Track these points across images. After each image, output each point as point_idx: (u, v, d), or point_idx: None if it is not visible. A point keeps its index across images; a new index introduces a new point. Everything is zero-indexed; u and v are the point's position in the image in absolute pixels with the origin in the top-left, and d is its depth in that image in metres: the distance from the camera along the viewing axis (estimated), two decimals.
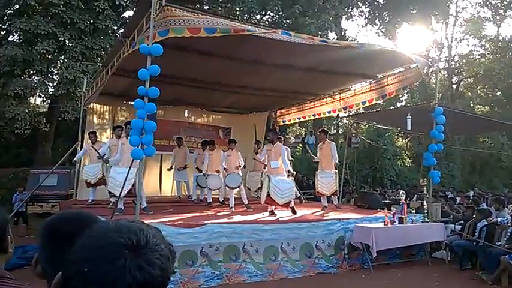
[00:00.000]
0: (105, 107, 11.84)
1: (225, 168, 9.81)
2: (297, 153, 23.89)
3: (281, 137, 11.34)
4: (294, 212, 8.75)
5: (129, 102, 11.63)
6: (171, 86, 9.94)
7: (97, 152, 9.43)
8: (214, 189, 10.31)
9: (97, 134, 10.74)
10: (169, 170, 11.54)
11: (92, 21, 14.98)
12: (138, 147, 6.58)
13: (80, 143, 11.16)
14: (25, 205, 11.71)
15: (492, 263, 7.26)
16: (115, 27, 16.29)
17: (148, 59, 6.50)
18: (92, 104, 11.44)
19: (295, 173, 9.34)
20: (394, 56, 8.90)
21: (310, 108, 13.18)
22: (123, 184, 7.21)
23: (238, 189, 9.86)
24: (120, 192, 7.40)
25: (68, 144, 12.75)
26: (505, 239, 7.65)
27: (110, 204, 8.67)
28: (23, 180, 13.90)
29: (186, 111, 13.07)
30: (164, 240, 0.90)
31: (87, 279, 0.78)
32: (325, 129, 11.35)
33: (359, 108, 12.46)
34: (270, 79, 10.42)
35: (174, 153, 11.53)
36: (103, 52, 15.22)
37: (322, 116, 13.47)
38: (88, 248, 0.81)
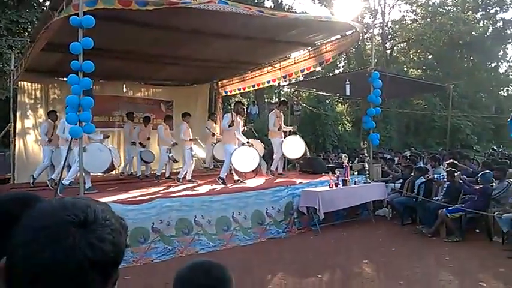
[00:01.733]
0: (35, 84, 11.17)
1: (190, 139, 9.81)
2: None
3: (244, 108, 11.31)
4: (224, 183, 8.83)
5: (62, 79, 11.04)
6: (106, 59, 9.50)
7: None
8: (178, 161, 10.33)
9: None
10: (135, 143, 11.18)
11: None
12: (75, 124, 6.31)
13: (12, 124, 10.54)
14: None
15: (431, 217, 7.70)
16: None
17: (80, 32, 6.17)
18: (21, 82, 10.76)
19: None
20: (331, 24, 8.98)
21: (251, 78, 13.14)
22: (63, 166, 6.92)
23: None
24: (61, 173, 7.13)
25: None
26: (442, 193, 8.12)
27: (52, 185, 8.37)
28: None
29: (124, 85, 12.60)
30: (114, 214, 0.85)
31: (35, 263, 0.72)
32: (285, 100, 11.66)
33: (298, 76, 12.60)
34: (210, 49, 10.22)
35: (129, 127, 11.27)
36: (30, 26, 14.27)
37: (262, 85, 13.46)
38: (32, 229, 0.75)
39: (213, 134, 11.25)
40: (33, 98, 11.16)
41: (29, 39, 9.83)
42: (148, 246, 6.59)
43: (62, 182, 7.33)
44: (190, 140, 9.71)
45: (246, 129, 10.78)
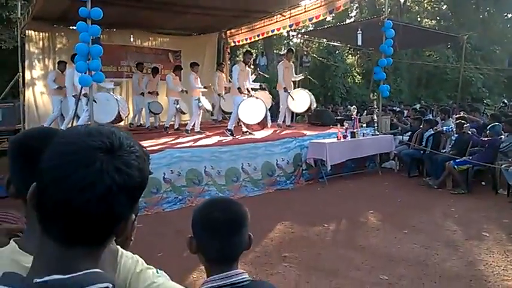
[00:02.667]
0: (42, 33, 11.03)
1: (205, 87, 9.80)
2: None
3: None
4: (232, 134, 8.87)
5: (69, 27, 10.91)
6: (113, 7, 9.29)
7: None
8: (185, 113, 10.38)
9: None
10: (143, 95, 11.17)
11: None
12: (85, 73, 6.31)
13: (21, 74, 10.51)
14: None
15: (438, 169, 7.75)
16: None
17: None
18: (28, 31, 10.65)
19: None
20: None
21: (260, 27, 12.87)
22: (73, 115, 6.97)
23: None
24: (72, 123, 7.18)
25: (8, 77, 11.96)
26: (450, 146, 8.13)
27: None
28: None
29: (132, 35, 12.42)
30: (137, 142, 0.87)
31: (65, 186, 0.75)
32: (292, 48, 11.36)
33: (307, 25, 12.31)
34: None
35: (138, 78, 11.20)
36: None
37: (266, 34, 13.20)
38: (61, 153, 0.77)
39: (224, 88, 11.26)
40: (41, 48, 11.07)
41: None
42: (161, 196, 6.74)
43: None
44: (205, 87, 9.67)
45: (255, 76, 10.60)
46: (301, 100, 10.15)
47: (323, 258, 4.57)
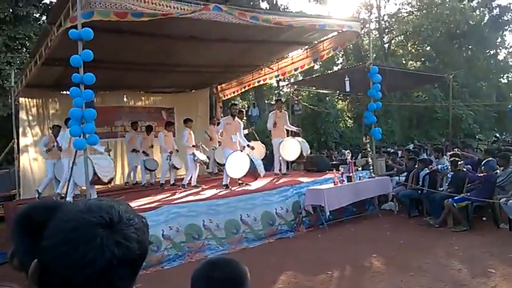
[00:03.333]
0: (35, 100, 11.22)
1: (192, 146, 9.73)
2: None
3: (242, 111, 11.35)
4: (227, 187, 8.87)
5: (62, 92, 11.13)
6: (105, 70, 9.58)
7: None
8: (179, 168, 10.36)
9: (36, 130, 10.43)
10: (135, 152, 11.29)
11: (11, 9, 14.06)
12: (80, 137, 6.37)
13: (16, 141, 10.60)
14: None
15: (437, 207, 7.72)
16: (37, 14, 15.41)
17: (80, 44, 6.24)
18: (22, 98, 10.83)
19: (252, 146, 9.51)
20: (328, 23, 9.03)
21: (249, 80, 13.25)
22: (69, 178, 6.97)
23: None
24: (67, 187, 7.17)
25: (2, 143, 12.07)
26: (447, 184, 8.16)
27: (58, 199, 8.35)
28: None
29: (125, 96, 12.68)
30: (136, 213, 0.90)
31: (67, 263, 0.77)
32: (281, 98, 11.59)
33: (294, 75, 12.67)
34: (207, 54, 10.30)
35: (130, 136, 11.37)
36: (28, 41, 14.36)
37: (252, 85, 13.60)
38: (62, 231, 0.80)
39: (210, 139, 11.38)
40: (34, 114, 11.23)
41: (28, 55, 9.89)
42: (161, 254, 6.58)
43: (66, 199, 7.37)
44: (193, 146, 9.68)
45: (247, 131, 10.77)
46: (292, 148, 10.25)
47: None
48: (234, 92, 14.21)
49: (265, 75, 12.70)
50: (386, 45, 29.17)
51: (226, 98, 14.75)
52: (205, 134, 11.39)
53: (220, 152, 10.56)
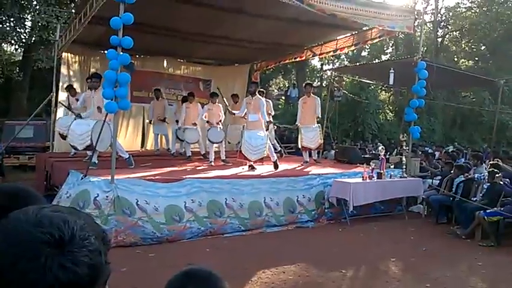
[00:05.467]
0: (77, 57, 11.39)
1: (207, 121, 9.64)
2: (280, 106, 23.80)
3: (263, 90, 11.15)
4: (276, 167, 8.74)
5: (104, 52, 11.17)
6: (147, 35, 9.59)
7: (68, 108, 9.30)
8: (191, 143, 10.19)
9: (74, 86, 10.52)
10: (150, 123, 11.37)
11: None
12: (111, 100, 6.36)
13: (54, 94, 10.79)
14: (1, 157, 11.45)
15: (467, 218, 7.38)
16: None
17: (121, 6, 6.18)
18: (64, 53, 10.98)
19: (273, 122, 9.24)
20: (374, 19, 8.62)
21: (290, 60, 13.05)
22: (98, 136, 6.99)
23: (219, 144, 9.72)
24: (91, 145, 7.22)
25: (44, 95, 12.33)
26: (481, 194, 7.77)
27: (86, 158, 8.45)
28: None
29: (165, 61, 12.68)
30: (96, 229, 0.79)
31: (4, 280, 0.69)
32: (310, 82, 11.21)
33: (338, 59, 12.31)
34: (252, 30, 10.10)
35: (152, 105, 11.27)
36: None
37: (288, 60, 13.44)
38: (4, 244, 0.70)
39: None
40: (74, 70, 11.39)
41: (73, 11, 9.96)
42: (184, 226, 6.56)
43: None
44: (208, 122, 9.64)
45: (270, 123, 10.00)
46: (312, 136, 9.95)
47: None
48: (267, 66, 13.99)
49: (305, 55, 12.42)
50: (439, 40, 28.01)
51: (260, 71, 14.46)
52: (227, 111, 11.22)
53: (234, 131, 10.73)
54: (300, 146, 10.25)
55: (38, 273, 0.68)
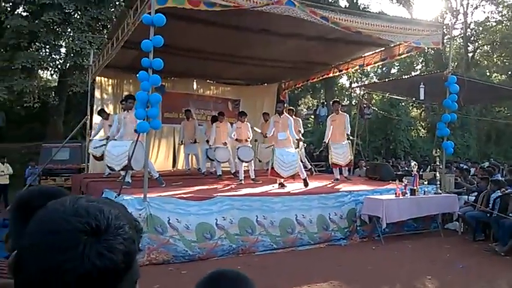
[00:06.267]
0: (110, 80, 11.74)
1: (237, 139, 9.71)
2: (309, 125, 23.74)
3: (292, 108, 11.18)
4: (306, 184, 8.70)
5: (136, 75, 11.48)
6: (177, 57, 9.78)
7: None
8: (222, 162, 10.26)
9: (106, 109, 10.82)
10: (180, 144, 11.51)
11: None
12: (143, 120, 6.51)
13: (89, 117, 11.12)
14: (38, 179, 11.81)
15: (505, 234, 7.14)
16: None
17: (151, 30, 6.36)
18: (98, 77, 11.34)
19: (303, 140, 9.27)
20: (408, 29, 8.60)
21: (317, 78, 13.08)
22: (131, 156, 7.14)
23: (249, 162, 9.78)
24: (128, 166, 7.36)
25: (78, 118, 12.76)
26: None
27: (119, 178, 8.62)
28: (35, 155, 14.05)
29: (195, 83, 12.93)
30: (129, 217, 0.82)
31: (42, 267, 0.70)
32: (338, 99, 11.19)
33: (367, 77, 12.24)
34: (278, 49, 10.19)
35: (182, 126, 11.43)
36: (109, 23, 15.07)
37: (316, 79, 13.56)
38: (43, 233, 0.73)
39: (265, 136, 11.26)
40: (108, 93, 11.73)
41: (106, 36, 10.31)
42: (215, 243, 6.62)
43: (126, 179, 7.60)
44: (237, 140, 9.70)
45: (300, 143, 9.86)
46: (341, 153, 9.84)
47: None
48: (295, 85, 14.03)
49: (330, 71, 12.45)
50: (470, 55, 27.54)
51: (288, 90, 14.52)
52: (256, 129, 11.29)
53: (263, 149, 10.73)
54: (330, 163, 10.18)
55: (77, 261, 0.70)
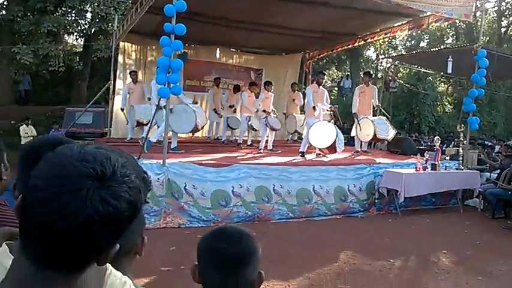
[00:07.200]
0: (134, 46, 11.72)
1: (263, 110, 9.65)
2: (332, 97, 23.48)
3: (313, 79, 11.02)
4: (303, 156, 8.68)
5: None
6: (201, 24, 9.68)
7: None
8: (256, 130, 10.27)
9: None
10: (216, 111, 11.36)
11: None
12: (164, 85, 6.53)
13: (112, 82, 11.21)
14: None
15: None
16: None
17: None
18: (122, 42, 11.35)
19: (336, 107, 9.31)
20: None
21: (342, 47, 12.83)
22: (150, 123, 7.22)
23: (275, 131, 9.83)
24: (148, 132, 7.45)
25: (102, 83, 12.86)
26: None
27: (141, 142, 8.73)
28: (59, 118, 14.31)
29: (218, 51, 12.83)
30: (137, 168, 0.82)
31: (46, 209, 0.71)
32: (369, 71, 10.99)
33: (395, 49, 11.91)
34: (304, 18, 9.98)
35: (212, 93, 11.43)
36: None
37: (341, 48, 13.05)
38: (48, 176, 0.74)
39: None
40: (132, 59, 11.74)
41: (130, 1, 10.26)
42: (230, 210, 6.74)
43: (149, 139, 7.65)
44: (264, 111, 9.56)
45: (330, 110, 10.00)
46: (365, 128, 9.60)
47: None
48: (319, 55, 13.80)
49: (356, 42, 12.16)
50: (503, 30, 26.52)
51: (312, 60, 14.27)
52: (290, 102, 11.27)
53: (293, 120, 10.72)
54: (355, 135, 10.02)
55: (79, 205, 0.71)
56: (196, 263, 1.31)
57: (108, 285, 1.01)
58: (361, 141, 9.95)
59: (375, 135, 9.46)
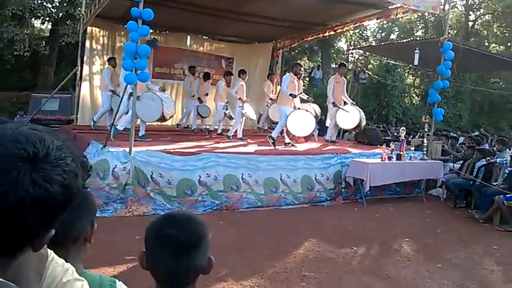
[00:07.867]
0: (102, 31, 11.46)
1: (239, 98, 9.60)
2: (304, 87, 23.61)
3: (344, 64, 11.03)
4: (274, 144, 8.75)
5: None
6: (171, 10, 9.55)
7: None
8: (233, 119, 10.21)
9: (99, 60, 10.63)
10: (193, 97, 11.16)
11: None
12: (131, 71, 6.42)
13: (79, 68, 10.95)
14: None
15: (486, 202, 7.26)
16: None
17: None
18: (89, 27, 11.08)
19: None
20: None
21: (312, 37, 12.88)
22: (116, 111, 7.12)
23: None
24: (114, 119, 7.33)
25: (70, 69, 12.54)
26: (502, 179, 7.61)
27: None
28: (25, 104, 13.93)
29: (189, 38, 12.68)
30: (75, 152, 0.80)
31: None
32: (344, 63, 11.13)
33: (365, 40, 12.04)
34: (276, 7, 9.95)
35: (188, 82, 11.31)
36: None
37: (311, 37, 13.15)
38: None
39: (271, 99, 11.28)
40: (100, 44, 11.48)
41: None
42: (195, 199, 6.70)
43: (116, 126, 7.53)
44: (240, 99, 9.55)
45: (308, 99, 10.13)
46: (351, 117, 9.85)
47: (344, 283, 4.34)
48: (290, 45, 13.85)
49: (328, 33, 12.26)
50: (470, 24, 27.14)
51: (283, 49, 14.26)
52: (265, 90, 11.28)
53: (276, 108, 10.46)
54: (329, 124, 10.18)
55: (9, 186, 0.69)
56: (144, 250, 1.30)
57: (49, 272, 0.99)
58: (340, 130, 10.12)
59: (359, 123, 9.78)
